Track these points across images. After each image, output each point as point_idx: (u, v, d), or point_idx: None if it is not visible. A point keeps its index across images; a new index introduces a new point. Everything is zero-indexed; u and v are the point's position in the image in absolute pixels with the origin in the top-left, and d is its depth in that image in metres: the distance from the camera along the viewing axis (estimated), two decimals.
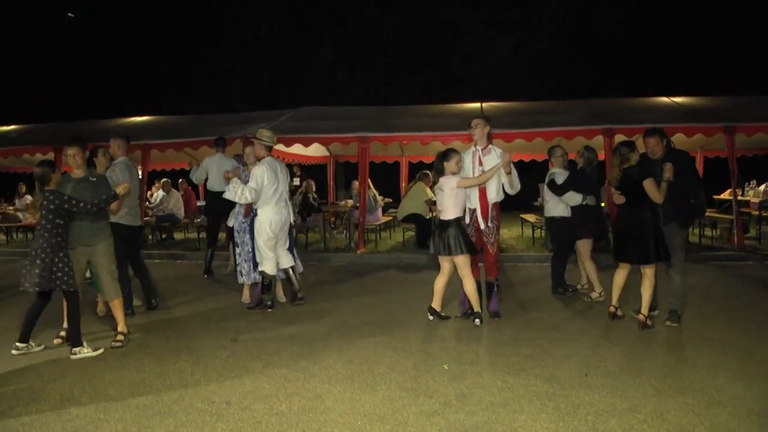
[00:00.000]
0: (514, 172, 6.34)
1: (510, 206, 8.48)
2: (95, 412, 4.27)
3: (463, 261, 6.23)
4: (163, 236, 14.13)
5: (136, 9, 25.97)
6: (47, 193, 5.45)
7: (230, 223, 8.10)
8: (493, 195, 6.42)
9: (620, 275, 6.32)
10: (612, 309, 6.39)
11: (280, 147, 12.88)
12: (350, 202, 13.97)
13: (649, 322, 6.04)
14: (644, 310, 6.08)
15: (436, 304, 6.58)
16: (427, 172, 12.94)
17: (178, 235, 14.80)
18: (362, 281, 9.20)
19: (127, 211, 7.04)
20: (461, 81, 22.78)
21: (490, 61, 23.06)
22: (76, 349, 5.55)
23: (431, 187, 10.09)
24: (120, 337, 5.90)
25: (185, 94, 24.93)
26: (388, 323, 6.48)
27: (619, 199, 6.19)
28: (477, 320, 6.30)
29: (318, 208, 13.55)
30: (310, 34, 24.25)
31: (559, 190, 7.58)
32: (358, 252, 11.58)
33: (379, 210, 13.55)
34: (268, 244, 7.23)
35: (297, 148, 13.52)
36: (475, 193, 6.42)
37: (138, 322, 6.83)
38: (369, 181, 12.44)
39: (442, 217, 6.35)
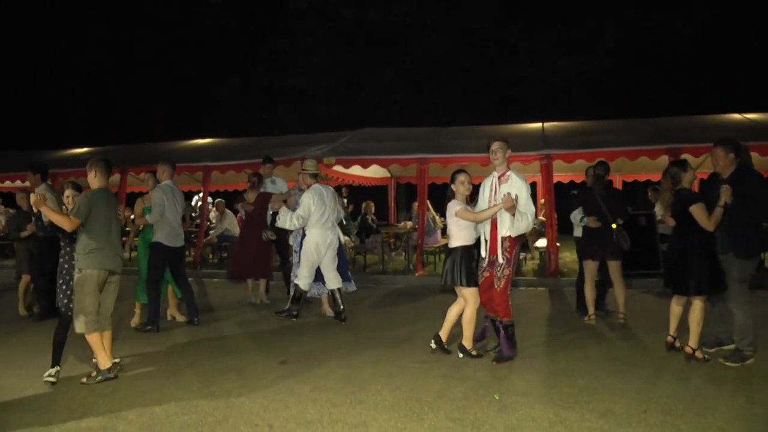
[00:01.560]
0: (526, 213, 5.61)
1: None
2: (140, 429, 4.30)
3: (465, 293, 5.91)
4: (224, 255, 14.36)
5: (197, 32, 26.85)
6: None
7: (291, 241, 8.53)
8: (506, 227, 5.70)
9: (676, 304, 5.93)
10: (670, 339, 5.98)
11: (338, 168, 12.97)
12: (409, 224, 13.85)
13: (699, 354, 5.62)
14: (692, 342, 5.66)
15: (466, 341, 6.10)
16: None
17: None
18: (419, 305, 9.05)
19: (168, 231, 7.40)
20: (522, 101, 22.43)
21: (551, 79, 22.65)
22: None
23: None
24: (94, 373, 5.46)
25: (246, 116, 25.51)
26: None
27: (669, 221, 5.87)
28: (460, 353, 5.96)
29: (377, 230, 13.50)
30: (370, 56, 24.43)
31: (572, 204, 7.64)
32: (416, 274, 11.46)
33: (438, 232, 13.38)
34: (308, 264, 7.74)
35: (356, 170, 13.57)
36: (487, 224, 5.87)
37: (190, 340, 6.92)
38: (428, 202, 12.33)
39: (449, 245, 6.07)
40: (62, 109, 27.86)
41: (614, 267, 7.38)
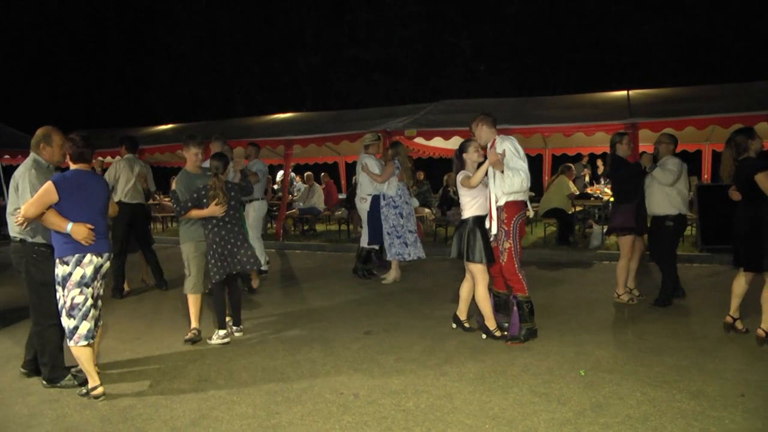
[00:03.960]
0: (516, 169, 5.35)
1: None
2: (228, 394, 4.49)
3: (472, 268, 5.66)
4: (306, 227, 14.67)
5: (276, 12, 27.20)
6: (229, 185, 5.78)
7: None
8: (498, 194, 5.50)
9: (738, 283, 5.59)
10: (729, 319, 5.64)
11: (420, 140, 12.96)
12: None
13: None
14: (765, 324, 5.31)
15: (461, 313, 6.03)
16: (570, 165, 12.46)
17: (319, 227, 15.32)
18: None
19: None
20: (607, 69, 21.61)
21: (637, 46, 21.66)
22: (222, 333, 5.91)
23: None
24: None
25: (327, 91, 25.75)
26: None
27: (735, 195, 5.53)
28: (483, 335, 5.75)
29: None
30: (449, 28, 24.12)
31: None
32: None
33: None
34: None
35: (438, 142, 13.52)
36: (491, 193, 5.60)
37: (275, 310, 7.12)
38: None
39: (462, 216, 5.83)
40: (149, 89, 29.01)
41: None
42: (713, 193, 10.12)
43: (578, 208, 12.35)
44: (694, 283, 8.01)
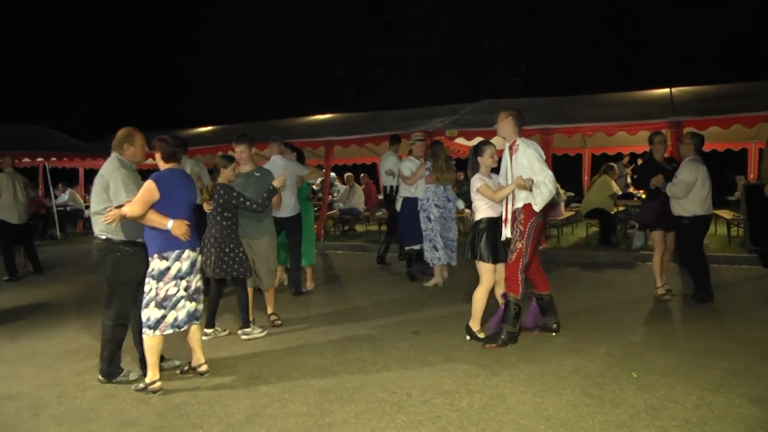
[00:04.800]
0: (543, 181, 5.32)
1: None
2: (281, 392, 4.55)
3: (479, 267, 5.64)
4: (346, 228, 14.78)
5: (311, 12, 27.45)
6: (218, 187, 5.85)
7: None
8: (520, 198, 5.45)
9: None
10: None
11: (461, 140, 12.94)
12: None
13: None
14: None
15: (473, 321, 5.90)
16: (612, 164, 12.32)
17: (359, 228, 15.40)
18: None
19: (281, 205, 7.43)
20: (648, 66, 21.30)
21: (679, 42, 21.28)
22: (247, 330, 6.09)
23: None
24: (274, 317, 6.56)
25: (365, 90, 25.86)
26: (570, 323, 6.15)
27: None
28: (467, 336, 5.77)
29: None
30: (489, 27, 24.04)
31: None
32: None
33: (562, 204, 13.02)
34: None
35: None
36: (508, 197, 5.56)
37: (320, 310, 7.19)
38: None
39: (474, 218, 5.80)
40: (180, 91, 29.54)
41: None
42: (761, 192, 9.89)
43: (620, 208, 12.21)
44: (743, 284, 7.90)
